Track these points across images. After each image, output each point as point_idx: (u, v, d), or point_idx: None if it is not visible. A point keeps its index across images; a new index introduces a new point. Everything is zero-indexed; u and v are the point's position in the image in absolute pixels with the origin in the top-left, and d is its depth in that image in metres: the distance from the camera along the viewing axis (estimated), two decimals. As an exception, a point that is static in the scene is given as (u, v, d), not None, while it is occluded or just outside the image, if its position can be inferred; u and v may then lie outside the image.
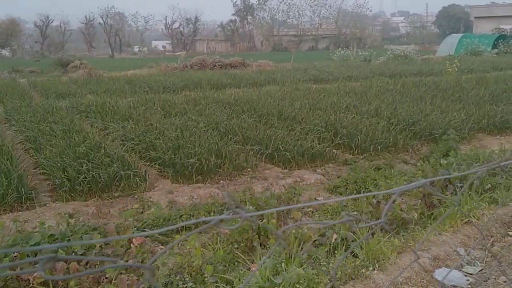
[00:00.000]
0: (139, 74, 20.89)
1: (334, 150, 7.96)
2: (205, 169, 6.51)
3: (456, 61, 16.94)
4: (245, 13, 74.33)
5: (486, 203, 5.29)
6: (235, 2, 74.03)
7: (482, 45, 29.80)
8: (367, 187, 6.06)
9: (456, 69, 16.62)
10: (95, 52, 73.87)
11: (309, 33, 71.48)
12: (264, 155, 7.40)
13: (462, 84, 13.82)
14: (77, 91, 14.71)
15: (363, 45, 64.36)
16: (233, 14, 75.23)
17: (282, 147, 7.26)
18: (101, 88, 15.03)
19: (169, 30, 75.76)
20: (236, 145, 7.58)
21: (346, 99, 11.35)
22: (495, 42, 33.99)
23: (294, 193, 5.75)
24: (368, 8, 72.72)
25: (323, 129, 8.51)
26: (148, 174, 6.52)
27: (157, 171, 6.75)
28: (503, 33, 38.73)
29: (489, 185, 5.95)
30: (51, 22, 68.07)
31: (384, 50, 28.25)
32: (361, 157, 7.62)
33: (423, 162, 7.45)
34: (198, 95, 12.84)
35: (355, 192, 5.97)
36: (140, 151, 7.26)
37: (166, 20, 75.01)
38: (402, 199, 5.86)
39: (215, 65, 22.98)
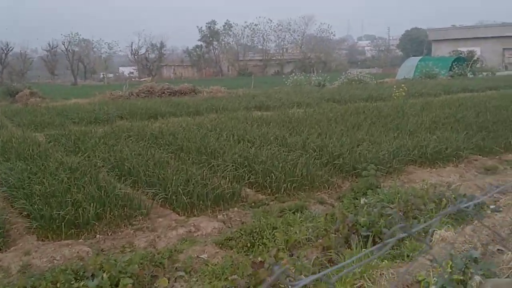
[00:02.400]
0: (80, 103, 19.88)
1: (248, 190, 7.16)
2: (81, 220, 5.58)
3: (403, 85, 16.52)
4: (211, 39, 74.24)
5: (389, 259, 4.53)
6: (201, 28, 73.97)
7: (436, 68, 29.84)
8: (264, 238, 5.23)
9: (403, 94, 16.19)
10: (60, 79, 72.35)
11: (274, 58, 71.66)
12: (162, 199, 6.53)
13: (405, 110, 13.31)
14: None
15: (328, 69, 64.67)
16: (199, 40, 75.08)
17: (182, 189, 6.40)
18: (25, 119, 13.97)
19: (135, 56, 74.99)
20: (131, 188, 6.70)
21: (275, 130, 10.61)
22: (452, 65, 34.23)
23: (172, 251, 4.88)
24: (332, 33, 73.29)
25: (239, 165, 7.70)
26: (14, 229, 5.56)
27: (27, 223, 5.78)
28: (460, 55, 39.22)
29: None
30: (11, 49, 66.24)
31: (338, 74, 27.90)
32: (273, 197, 6.81)
33: (340, 202, 6.72)
34: (125, 127, 11.92)
35: (248, 245, 5.13)
36: (12, 200, 6.29)
37: (132, 46, 74.16)
38: (300, 252, 5.06)
39: (164, 92, 22.15)
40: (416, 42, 77.48)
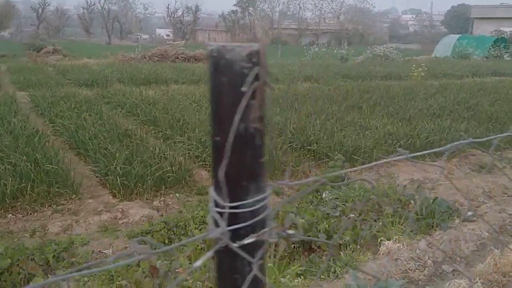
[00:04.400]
0: (90, 63, 19.52)
1: (204, 173, 6.52)
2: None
3: (423, 64, 15.31)
4: (246, 4, 72.68)
5: (310, 274, 3.86)
6: (237, -8, 72.48)
7: (470, 48, 27.94)
8: (187, 233, 4.61)
9: (422, 74, 15.00)
10: (97, 37, 72.64)
11: (309, 28, 69.63)
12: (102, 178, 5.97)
13: (416, 92, 12.25)
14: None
15: (365, 41, 62.32)
16: (234, 5, 73.70)
17: (121, 168, 5.81)
18: (22, 77, 13.67)
19: (171, 19, 74.45)
20: (80, 162, 6.17)
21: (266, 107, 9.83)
22: (493, 45, 32.06)
23: (74, 242, 4.33)
24: (372, 4, 70.37)
25: (201, 144, 7.05)
26: None
27: None
28: (503, 35, 36.76)
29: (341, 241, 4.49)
30: (48, 5, 66.64)
31: (359, 48, 26.47)
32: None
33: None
34: (115, 91, 11.40)
35: (166, 242, 4.52)
36: None
37: (168, 7, 73.60)
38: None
39: (178, 57, 21.51)
40: (462, 19, 73.64)
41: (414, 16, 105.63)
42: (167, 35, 78.05)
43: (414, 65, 15.27)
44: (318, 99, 11.21)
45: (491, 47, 29.45)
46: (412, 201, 5.50)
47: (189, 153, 6.94)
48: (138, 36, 71.13)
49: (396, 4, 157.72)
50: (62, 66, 17.86)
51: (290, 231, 0.88)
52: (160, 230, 4.62)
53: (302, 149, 7.35)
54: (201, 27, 76.15)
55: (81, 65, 18.06)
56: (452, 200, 5.93)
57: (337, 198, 5.50)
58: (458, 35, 36.89)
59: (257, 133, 0.76)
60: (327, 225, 4.67)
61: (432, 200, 5.43)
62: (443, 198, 5.53)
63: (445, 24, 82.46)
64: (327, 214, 4.91)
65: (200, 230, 4.62)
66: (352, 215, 5.09)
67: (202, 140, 7.12)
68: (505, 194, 6.28)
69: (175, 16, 73.71)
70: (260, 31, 72.61)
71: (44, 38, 57.13)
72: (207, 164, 6.62)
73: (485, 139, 1.91)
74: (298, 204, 5.46)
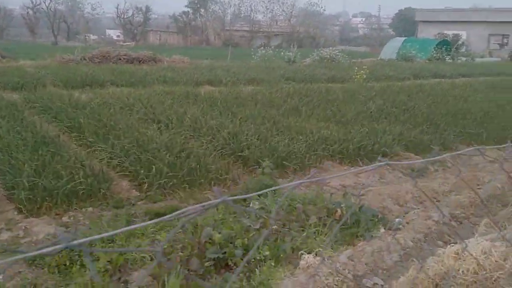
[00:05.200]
0: (26, 65, 18.55)
1: (125, 183, 6.10)
2: None
3: (365, 67, 15.41)
4: (198, 6, 72.00)
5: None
6: (188, -7, 71.71)
7: (413, 50, 28.62)
8: (90, 254, 4.19)
9: (364, 76, 15.07)
10: (43, 38, 69.79)
11: (261, 30, 69.72)
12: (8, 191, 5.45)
13: (356, 95, 12.24)
14: None
15: (316, 44, 62.93)
16: (186, 6, 72.88)
17: (27, 180, 5.31)
18: None
19: (121, 19, 72.76)
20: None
21: (200, 111, 9.51)
22: (436, 48, 33.00)
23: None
24: (322, 7, 71.33)
25: (126, 152, 6.63)
26: None
27: None
28: (446, 38, 37.97)
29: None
30: (-11, 5, 63.68)
31: (309, 51, 26.53)
32: (146, 195, 5.75)
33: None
34: (44, 95, 10.74)
35: (67, 264, 4.09)
36: None
37: (117, 8, 71.89)
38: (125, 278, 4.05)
39: (120, 59, 20.77)
40: (409, 22, 75.84)
41: (364, 19, 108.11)
42: (118, 36, 76.25)
43: (356, 68, 15.31)
44: (257, 103, 10.98)
45: (433, 50, 30.26)
46: (338, 209, 5.30)
47: (110, 162, 6.50)
48: (86, 37, 69.12)
49: (347, 7, 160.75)
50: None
51: None
52: (61, 250, 4.17)
53: (233, 156, 7.06)
54: (152, 28, 74.89)
55: (14, 67, 17.08)
56: (381, 206, 5.80)
57: (263, 208, 5.23)
58: (403, 38, 37.78)
59: None
60: (246, 239, 4.38)
61: (358, 208, 5.26)
62: (369, 206, 5.37)
63: (393, 27, 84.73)
64: (248, 226, 4.63)
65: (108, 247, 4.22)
66: (274, 227, 4.83)
67: (125, 147, 6.69)
68: (435, 198, 6.21)
69: (125, 17, 72.13)
70: (212, 33, 72.15)
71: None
72: (128, 174, 6.21)
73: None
74: (221, 216, 5.15)
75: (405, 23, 76.77)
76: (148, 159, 6.23)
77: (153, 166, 6.01)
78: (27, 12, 67.00)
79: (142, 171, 5.93)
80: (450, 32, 39.17)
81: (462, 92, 13.37)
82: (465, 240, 4.34)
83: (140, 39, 69.88)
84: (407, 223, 5.21)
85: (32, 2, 66.20)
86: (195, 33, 73.47)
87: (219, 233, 4.34)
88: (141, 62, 21.07)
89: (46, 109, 9.34)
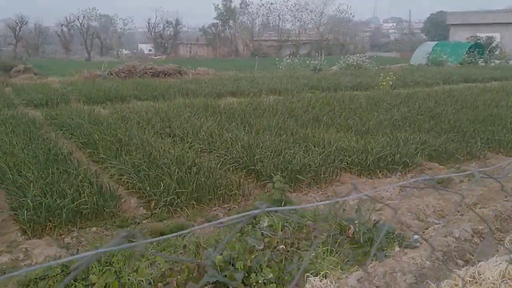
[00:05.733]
0: (53, 81, 18.91)
1: (134, 200, 5.96)
2: None
3: (391, 73, 14.97)
4: (227, 17, 72.60)
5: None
6: (217, 5, 72.50)
7: (444, 55, 27.81)
8: (85, 279, 4.04)
9: (390, 83, 14.64)
10: (78, 54, 71.79)
11: (290, 39, 69.57)
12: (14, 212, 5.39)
13: (380, 103, 11.85)
14: None
15: (346, 51, 62.29)
16: (215, 18, 73.66)
17: (31, 200, 5.23)
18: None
19: (152, 33, 74.17)
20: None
21: (217, 123, 9.36)
22: (468, 51, 32.06)
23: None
24: (351, 14, 70.71)
25: (136, 168, 6.51)
26: None
27: None
28: (478, 41, 36.87)
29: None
30: (25, 23, 65.95)
31: (337, 58, 26.11)
32: (152, 213, 5.58)
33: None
34: (66, 111, 10.85)
35: None
36: None
37: (149, 22, 73.34)
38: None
39: (146, 72, 20.98)
40: (441, 26, 74.36)
41: (394, 24, 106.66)
42: (150, 50, 77.63)
43: (382, 74, 14.90)
44: (277, 113, 10.76)
45: (465, 54, 29.37)
46: (351, 226, 5.00)
47: (120, 178, 6.39)
48: (118, 52, 70.63)
49: (378, 13, 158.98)
50: (23, 85, 17.21)
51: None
52: (56, 275, 4.05)
53: (245, 170, 6.84)
54: (182, 41, 75.98)
55: (41, 84, 17.43)
56: (399, 222, 5.46)
57: (272, 226, 4.98)
58: (434, 43, 36.93)
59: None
60: (249, 261, 4.14)
61: (373, 224, 4.95)
62: (384, 222, 5.04)
63: (425, 31, 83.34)
64: (252, 246, 4.39)
65: (103, 273, 4.06)
66: (281, 246, 4.57)
67: (135, 163, 6.57)
68: (458, 212, 5.81)
69: (156, 31, 73.43)
70: (241, 44, 72.52)
71: (21, 57, 56.29)
72: (138, 191, 6.08)
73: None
74: (226, 235, 4.93)
75: (437, 27, 75.34)
76: (157, 175, 6.08)
77: (161, 183, 5.85)
78: (61, 30, 69.07)
79: (148, 188, 5.78)
80: (483, 34, 38.00)
81: (493, 97, 12.77)
82: (483, 261, 3.98)
83: (170, 52, 71.05)
84: (425, 240, 4.86)
85: (67, 20, 68.23)
86: (224, 44, 74.05)
87: (221, 254, 4.12)
88: (166, 75, 21.22)
89: (64, 125, 9.38)
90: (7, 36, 66.92)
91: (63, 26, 68.92)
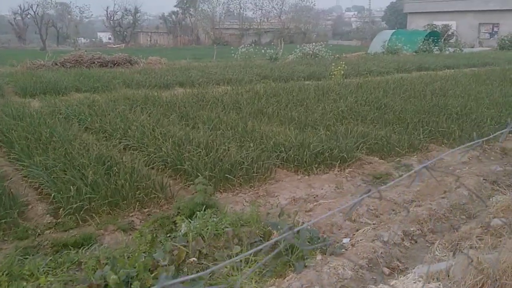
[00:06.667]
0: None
1: (41, 207, 5.37)
2: None
3: (342, 62, 14.67)
4: (187, 5, 71.29)
5: None
6: (177, -7, 71.21)
7: (399, 43, 27.86)
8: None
9: (342, 72, 14.34)
10: (32, 43, 69.10)
11: (251, 27, 68.89)
12: None
13: (328, 93, 11.52)
14: None
15: (308, 40, 62.05)
16: (175, 6, 72.30)
17: None
18: None
19: (110, 22, 72.13)
20: None
21: (146, 116, 8.81)
22: (425, 39, 32.25)
23: None
24: (312, 2, 70.57)
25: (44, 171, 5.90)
26: None
27: None
28: (435, 29, 37.23)
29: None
30: (-24, 11, 62.97)
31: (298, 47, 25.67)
32: (56, 222, 5.02)
33: (153, 229, 4.95)
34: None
35: None
36: None
37: (107, 10, 71.23)
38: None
39: (94, 62, 20.06)
40: (401, 15, 75.13)
41: (356, 13, 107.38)
42: (109, 39, 75.52)
43: (333, 64, 14.58)
44: (222, 105, 10.27)
45: (419, 42, 29.53)
46: (275, 232, 4.59)
47: (34, 181, 5.80)
48: (74, 41, 68.23)
49: (341, 1, 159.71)
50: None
51: None
52: None
53: (173, 168, 6.34)
54: (142, 30, 74.32)
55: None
56: (329, 223, 5.08)
57: (186, 235, 4.51)
58: (392, 31, 37.07)
59: None
60: (149, 280, 3.66)
61: (297, 230, 4.54)
62: (311, 225, 4.65)
63: (385, 20, 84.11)
64: (157, 261, 3.92)
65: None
66: (193, 259, 4.12)
67: (49, 165, 5.97)
68: (393, 210, 5.49)
69: (114, 19, 71.47)
70: (202, 32, 71.39)
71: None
72: (49, 196, 5.49)
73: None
74: (140, 245, 4.44)
75: (397, 15, 76.05)
76: (69, 178, 5.50)
77: (71, 187, 5.28)
78: (14, 18, 66.36)
79: (55, 193, 5.21)
80: (440, 23, 38.39)
81: (442, 86, 12.64)
82: (402, 276, 3.65)
83: (130, 41, 69.34)
84: (352, 245, 4.50)
85: (20, 8, 65.50)
86: (185, 33, 72.78)
87: (116, 273, 3.63)
88: (116, 65, 20.37)
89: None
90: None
91: (16, 15, 66.20)
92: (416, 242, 4.63)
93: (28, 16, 65.76)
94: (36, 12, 65.71)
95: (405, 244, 4.56)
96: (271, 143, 7.08)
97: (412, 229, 4.77)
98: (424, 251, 4.39)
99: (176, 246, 4.17)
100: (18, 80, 14.34)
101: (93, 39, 77.53)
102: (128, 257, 4.13)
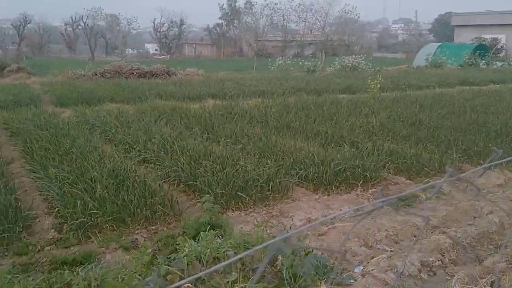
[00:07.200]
0: (35, 81, 18.38)
1: (47, 222, 5.28)
2: None
3: (379, 76, 14.17)
4: (231, 17, 72.18)
5: None
6: (222, 5, 72.25)
7: (443, 56, 26.88)
8: None
9: (379, 86, 13.86)
10: (82, 54, 71.65)
11: (294, 39, 68.76)
12: None
13: (362, 107, 11.09)
14: None
15: (351, 52, 61.28)
16: (219, 18, 73.36)
17: None
18: None
19: (157, 33, 74.01)
20: None
21: (168, 128, 8.68)
22: (472, 53, 31.07)
23: None
24: (357, 15, 69.79)
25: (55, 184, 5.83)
26: None
27: None
28: (483, 43, 35.83)
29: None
30: (29, 22, 65.96)
31: (336, 59, 25.25)
32: (57, 238, 4.89)
33: (157, 249, 4.74)
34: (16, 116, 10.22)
35: None
36: None
37: (154, 22, 73.13)
38: None
39: (133, 73, 20.35)
40: (448, 28, 73.18)
41: (403, 25, 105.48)
42: (156, 50, 77.34)
43: (370, 77, 14.11)
44: (249, 118, 10.06)
45: (466, 55, 28.41)
46: (279, 257, 4.28)
47: (46, 193, 5.74)
48: (122, 51, 70.20)
49: (388, 14, 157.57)
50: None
51: None
52: None
53: (185, 184, 6.14)
54: (187, 41, 75.76)
55: (20, 85, 16.86)
56: (343, 249, 4.72)
57: (191, 254, 4.27)
58: (438, 44, 35.99)
59: None
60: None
61: (305, 256, 4.23)
62: (316, 253, 4.30)
63: (433, 32, 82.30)
64: None
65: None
66: (187, 285, 3.87)
67: (59, 177, 5.90)
68: (415, 237, 5.06)
69: (161, 31, 73.21)
70: (245, 44, 71.89)
71: (20, 56, 55.90)
72: (55, 210, 5.40)
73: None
74: (138, 265, 4.24)
75: (445, 28, 74.15)
76: (77, 192, 5.39)
77: (77, 201, 5.16)
78: (65, 29, 69.03)
79: (61, 208, 5.10)
80: (488, 36, 36.92)
81: (484, 101, 11.95)
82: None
83: (175, 52, 70.80)
84: (363, 275, 4.13)
85: (72, 19, 68.09)
86: (229, 44, 73.59)
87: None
88: (154, 75, 20.59)
89: (14, 131, 8.76)
90: (13, 35, 67.08)
91: (67, 26, 68.86)
92: (434, 274, 4.21)
93: (79, 27, 68.22)
94: (86, 24, 68.14)
95: (422, 276, 4.14)
96: (291, 159, 6.77)
97: (431, 259, 4.34)
98: (443, 285, 3.97)
99: (173, 269, 3.93)
100: (56, 90, 14.67)
101: (141, 50, 79.62)
102: (122, 279, 3.93)
